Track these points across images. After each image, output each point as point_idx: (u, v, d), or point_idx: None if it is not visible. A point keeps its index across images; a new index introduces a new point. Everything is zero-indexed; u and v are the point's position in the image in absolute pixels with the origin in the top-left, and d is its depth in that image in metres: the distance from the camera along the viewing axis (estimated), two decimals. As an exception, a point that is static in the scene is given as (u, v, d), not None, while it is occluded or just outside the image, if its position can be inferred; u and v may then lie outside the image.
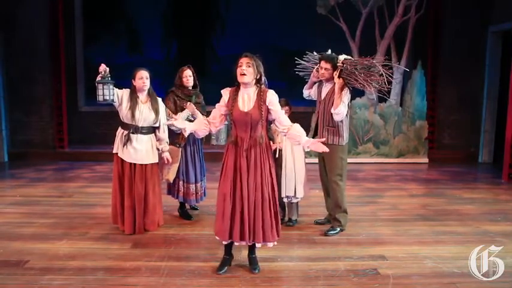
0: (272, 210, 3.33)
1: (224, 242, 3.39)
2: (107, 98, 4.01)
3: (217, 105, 3.38)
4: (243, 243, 3.35)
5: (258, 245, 3.37)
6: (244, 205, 3.25)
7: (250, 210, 3.26)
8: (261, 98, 3.25)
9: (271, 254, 3.76)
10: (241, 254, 3.64)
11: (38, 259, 3.64)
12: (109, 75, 4.00)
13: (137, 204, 4.18)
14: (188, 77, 4.56)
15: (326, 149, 3.30)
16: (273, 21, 9.83)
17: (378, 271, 3.46)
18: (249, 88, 3.28)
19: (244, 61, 3.20)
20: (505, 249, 3.73)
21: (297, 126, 3.36)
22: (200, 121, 3.43)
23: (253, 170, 3.25)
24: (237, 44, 9.32)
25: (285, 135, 3.39)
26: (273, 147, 4.26)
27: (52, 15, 8.23)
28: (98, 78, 3.99)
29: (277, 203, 3.41)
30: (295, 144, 3.38)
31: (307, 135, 3.32)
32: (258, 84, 3.30)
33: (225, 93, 3.32)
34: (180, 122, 3.47)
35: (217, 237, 3.41)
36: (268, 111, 3.28)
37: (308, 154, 6.98)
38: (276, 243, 3.41)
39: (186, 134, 3.48)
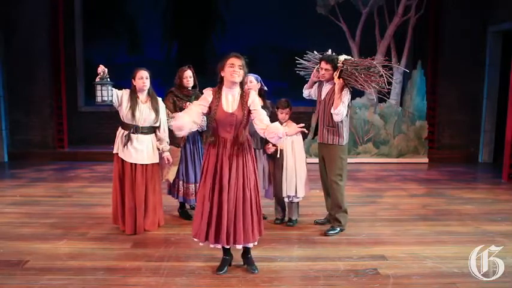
0: (254, 211, 3.33)
1: (201, 244, 3.38)
2: (105, 99, 4.02)
3: (197, 103, 3.34)
4: (218, 245, 3.34)
5: (238, 247, 3.34)
6: (223, 207, 3.24)
7: (230, 213, 3.25)
8: (243, 99, 3.26)
9: (271, 254, 3.77)
10: (241, 254, 3.63)
11: (38, 259, 3.64)
12: (107, 76, 4.02)
13: (138, 204, 4.18)
14: (189, 77, 4.55)
15: (302, 130, 3.21)
16: (273, 21, 9.81)
17: (378, 271, 3.46)
18: (234, 89, 3.27)
19: (236, 63, 3.19)
20: (505, 249, 3.73)
21: (276, 123, 3.36)
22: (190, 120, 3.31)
23: (235, 170, 3.25)
24: (237, 44, 9.32)
25: (264, 133, 3.30)
26: (273, 149, 4.29)
27: (52, 15, 8.23)
28: (97, 80, 4.00)
29: (260, 202, 3.41)
30: (274, 139, 3.28)
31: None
32: (241, 85, 3.30)
33: (208, 93, 3.28)
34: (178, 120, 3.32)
35: (195, 239, 3.40)
36: (249, 112, 3.27)
37: (308, 154, 7.01)
38: (256, 243, 3.40)
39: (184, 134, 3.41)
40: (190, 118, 3.28)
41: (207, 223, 3.29)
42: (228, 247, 3.38)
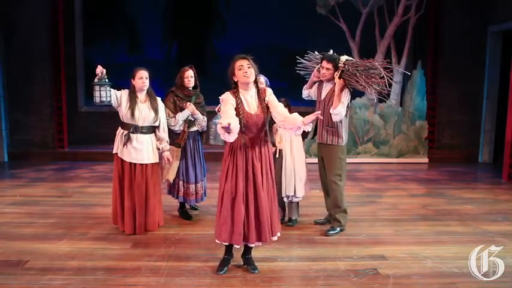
0: (276, 202, 3.47)
1: (237, 246, 3.37)
2: (104, 99, 4.02)
3: (227, 106, 3.19)
4: (259, 243, 3.38)
5: (274, 238, 3.42)
6: (261, 206, 3.27)
7: (267, 210, 3.31)
8: (261, 97, 3.30)
9: (271, 254, 3.77)
10: (241, 254, 3.63)
11: (38, 259, 3.64)
12: (106, 76, 4.02)
13: (138, 204, 4.18)
14: (190, 77, 4.55)
15: (317, 116, 3.10)
16: (273, 21, 9.82)
17: (378, 271, 3.46)
18: (251, 90, 3.29)
19: (244, 63, 3.20)
20: (505, 249, 3.74)
21: (295, 114, 3.29)
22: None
23: (265, 169, 3.32)
24: (237, 44, 9.33)
25: (284, 124, 3.27)
26: (272, 149, 4.28)
27: (52, 15, 8.22)
28: (95, 80, 4.00)
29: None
30: (293, 130, 3.23)
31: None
32: (255, 84, 3.31)
33: (230, 97, 3.24)
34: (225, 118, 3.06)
35: (225, 243, 3.35)
36: (268, 108, 3.31)
37: (308, 154, 7.00)
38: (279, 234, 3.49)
39: (233, 131, 3.00)
40: (236, 120, 3.14)
41: (246, 225, 3.29)
42: (267, 242, 3.41)
